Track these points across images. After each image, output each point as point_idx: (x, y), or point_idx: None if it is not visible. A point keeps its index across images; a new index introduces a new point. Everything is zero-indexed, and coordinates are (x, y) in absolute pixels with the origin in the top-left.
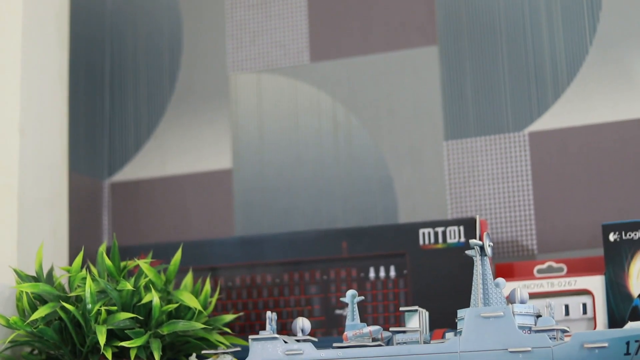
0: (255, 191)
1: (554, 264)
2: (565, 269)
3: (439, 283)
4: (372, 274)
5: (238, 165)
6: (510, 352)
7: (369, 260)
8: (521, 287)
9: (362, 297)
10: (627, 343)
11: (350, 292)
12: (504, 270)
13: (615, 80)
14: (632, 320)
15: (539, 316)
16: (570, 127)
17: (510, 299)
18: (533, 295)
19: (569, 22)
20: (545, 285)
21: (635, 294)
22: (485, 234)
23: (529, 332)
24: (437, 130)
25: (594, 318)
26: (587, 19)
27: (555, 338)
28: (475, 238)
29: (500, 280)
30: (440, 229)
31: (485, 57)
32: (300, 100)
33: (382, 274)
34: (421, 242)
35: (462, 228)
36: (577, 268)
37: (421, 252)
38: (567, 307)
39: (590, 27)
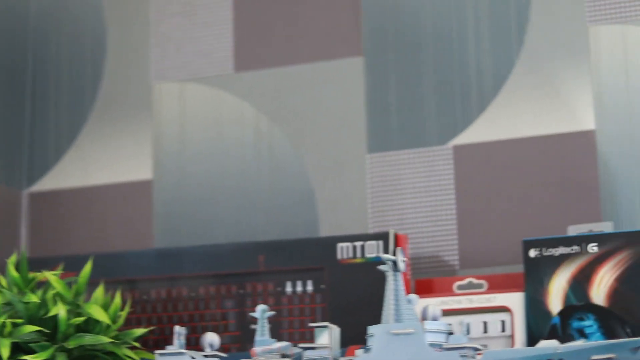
0: (175, 202)
1: (475, 280)
2: (486, 286)
3: (357, 298)
4: (289, 289)
5: (159, 175)
6: None
7: (286, 274)
8: (433, 304)
9: (273, 312)
10: None
11: (261, 307)
12: (424, 285)
13: (541, 94)
14: (550, 338)
15: (451, 334)
16: (494, 141)
17: (422, 316)
18: (451, 312)
19: (496, 34)
20: (463, 302)
21: (554, 311)
22: (399, 248)
23: (440, 349)
24: (360, 142)
25: (512, 336)
26: (514, 31)
27: (466, 356)
28: (404, 254)
29: (413, 296)
30: (359, 244)
31: (411, 70)
32: (224, 111)
33: (299, 288)
34: (339, 256)
35: (381, 243)
36: (498, 285)
37: (339, 267)
38: (485, 324)
39: (517, 39)
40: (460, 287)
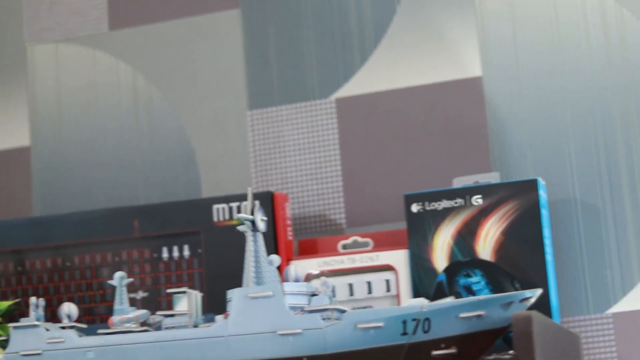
0: (54, 169)
1: (360, 239)
2: (372, 244)
3: (235, 262)
4: (165, 254)
5: (36, 142)
6: (280, 334)
7: (161, 239)
8: (295, 265)
9: (131, 279)
10: (404, 322)
11: (118, 275)
12: (307, 246)
13: (425, 41)
14: (438, 297)
15: (314, 295)
16: (378, 92)
17: (284, 278)
18: (334, 273)
19: None
20: (345, 262)
21: (439, 268)
22: (257, 207)
23: (301, 312)
24: (240, 99)
25: (398, 295)
26: None
27: (329, 319)
28: (263, 212)
29: (274, 257)
30: (234, 204)
31: (290, 21)
32: (100, 71)
33: (175, 254)
34: (215, 218)
35: (257, 203)
36: (383, 242)
37: (215, 230)
38: (369, 284)
39: None
40: (345, 247)
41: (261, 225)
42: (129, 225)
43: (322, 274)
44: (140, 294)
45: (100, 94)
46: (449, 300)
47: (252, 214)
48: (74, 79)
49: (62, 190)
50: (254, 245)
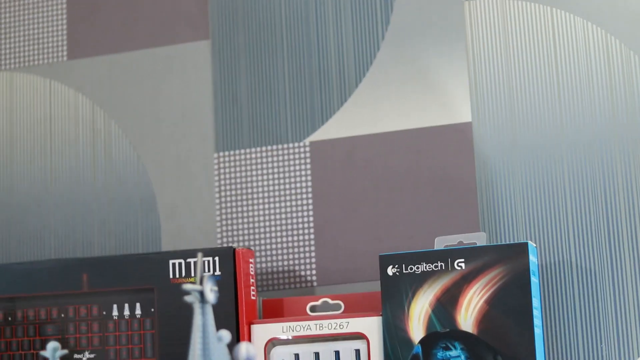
0: (2, 209)
1: (330, 301)
2: (343, 307)
3: (192, 324)
4: (115, 312)
5: None
6: None
7: (112, 295)
8: (248, 343)
9: (65, 351)
10: None
11: (51, 346)
12: (272, 307)
13: (410, 82)
14: None
15: None
16: (357, 136)
17: (234, 358)
18: (300, 340)
19: (359, 12)
20: (313, 328)
21: (416, 339)
22: (208, 276)
23: None
24: (207, 140)
25: None
26: (380, 8)
27: None
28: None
29: (224, 333)
30: (192, 260)
31: (263, 56)
32: (56, 104)
33: (126, 312)
34: (171, 275)
35: (217, 259)
36: (356, 306)
37: (171, 288)
38: (337, 354)
39: (382, 18)
40: (313, 309)
41: (211, 297)
42: (77, 278)
43: (286, 340)
44: (87, 355)
45: (55, 128)
46: None
47: (202, 283)
48: (28, 111)
49: (11, 233)
50: (202, 319)
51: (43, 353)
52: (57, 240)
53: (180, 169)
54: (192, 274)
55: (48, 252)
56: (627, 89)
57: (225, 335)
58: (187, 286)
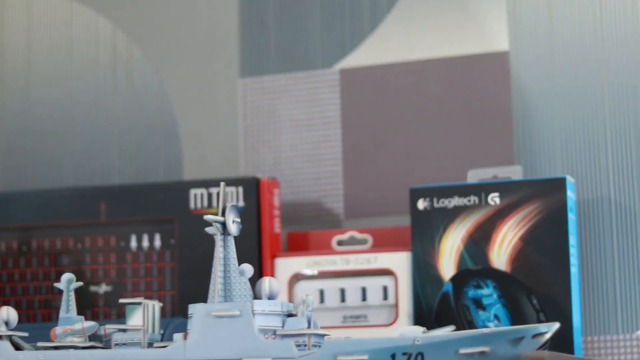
0: (19, 135)
1: (357, 235)
2: (371, 241)
3: (212, 256)
4: (134, 243)
5: (2, 103)
6: None
7: (130, 226)
8: (271, 278)
9: (81, 283)
10: (393, 356)
11: (66, 277)
12: (297, 240)
13: (444, 8)
14: (443, 310)
15: (290, 315)
16: (388, 64)
17: (256, 293)
18: (325, 275)
19: None
20: (339, 263)
21: (446, 276)
22: (230, 206)
23: (272, 337)
24: (231, 65)
25: (396, 305)
26: None
27: (305, 346)
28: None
29: (246, 267)
30: (214, 190)
31: None
32: (76, 27)
33: (145, 243)
34: (192, 205)
35: (240, 189)
36: (384, 240)
37: (192, 218)
38: (364, 290)
39: None
40: (340, 243)
41: (233, 229)
42: (95, 207)
43: (311, 276)
44: (104, 288)
45: (75, 51)
46: (448, 332)
47: (223, 214)
48: (47, 34)
49: (30, 159)
50: (223, 252)
51: (57, 285)
52: (75, 167)
53: (203, 95)
54: (214, 205)
55: (66, 179)
56: None
57: (247, 269)
58: (208, 217)
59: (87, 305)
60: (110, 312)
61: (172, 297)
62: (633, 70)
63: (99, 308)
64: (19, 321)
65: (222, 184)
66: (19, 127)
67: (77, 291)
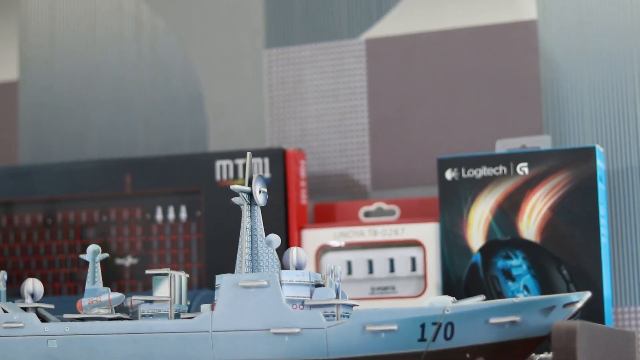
0: (44, 107)
1: (385, 206)
2: (398, 213)
3: (239, 228)
4: (159, 216)
5: (25, 76)
6: (274, 333)
7: (156, 198)
8: (299, 248)
9: (106, 255)
10: (423, 326)
11: (92, 248)
12: (324, 212)
13: None
14: (471, 281)
15: (318, 286)
16: (415, 34)
17: (284, 263)
18: (352, 247)
19: None
20: (366, 234)
21: (474, 247)
22: (257, 176)
23: (300, 307)
24: (256, 36)
25: (425, 276)
26: None
27: (334, 316)
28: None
29: (274, 237)
30: (240, 161)
31: None
32: None
33: (171, 215)
34: (218, 177)
35: (267, 161)
36: (412, 211)
37: (218, 190)
38: (392, 261)
39: None
40: (367, 214)
41: (260, 199)
42: (120, 180)
43: (338, 247)
44: (129, 260)
45: (98, 23)
46: (478, 302)
47: (250, 184)
48: (70, 6)
49: (53, 132)
50: (250, 222)
51: (83, 256)
52: (100, 139)
53: (228, 66)
54: (240, 176)
55: (91, 152)
56: None
57: (275, 239)
58: (235, 187)
59: (113, 278)
60: (137, 284)
61: (199, 270)
62: None
63: (125, 281)
64: (45, 294)
65: (248, 153)
66: (44, 101)
67: (103, 264)
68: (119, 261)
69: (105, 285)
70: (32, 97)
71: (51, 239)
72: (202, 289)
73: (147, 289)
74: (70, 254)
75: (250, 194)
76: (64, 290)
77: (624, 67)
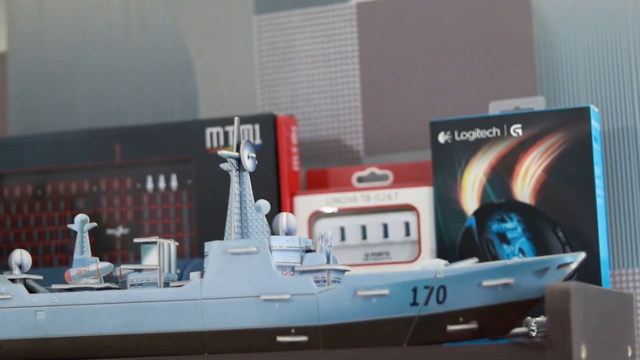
0: (33, 78)
1: (377, 171)
2: (391, 177)
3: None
4: (149, 185)
5: (14, 46)
6: (264, 300)
7: (146, 167)
8: (288, 214)
9: (94, 224)
10: (415, 290)
11: (79, 218)
12: (316, 178)
13: None
14: (466, 245)
15: (309, 251)
16: None
17: (273, 229)
18: (345, 212)
19: None
20: (359, 199)
21: (469, 210)
22: (245, 142)
23: (290, 273)
24: (245, 1)
25: (419, 241)
26: None
27: (325, 282)
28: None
29: (263, 203)
30: (231, 129)
31: None
32: None
33: (162, 184)
34: (208, 144)
35: (257, 127)
36: (405, 176)
37: (208, 158)
38: (385, 226)
39: None
40: (360, 179)
41: (248, 164)
42: (109, 149)
43: (331, 213)
44: (120, 230)
45: None
46: (470, 264)
47: (238, 150)
48: None
49: (42, 102)
50: (239, 188)
51: (70, 226)
52: (89, 109)
53: (218, 32)
54: (231, 144)
55: (80, 122)
56: None
57: (264, 205)
58: (223, 152)
59: (104, 248)
60: (128, 254)
61: (190, 238)
62: None
63: (116, 251)
64: (36, 266)
65: (236, 119)
66: (32, 70)
67: (95, 235)
68: (110, 231)
69: (96, 255)
70: (21, 68)
71: (41, 210)
72: (193, 258)
73: (139, 259)
74: (60, 225)
75: (239, 160)
76: (55, 261)
77: (618, 27)
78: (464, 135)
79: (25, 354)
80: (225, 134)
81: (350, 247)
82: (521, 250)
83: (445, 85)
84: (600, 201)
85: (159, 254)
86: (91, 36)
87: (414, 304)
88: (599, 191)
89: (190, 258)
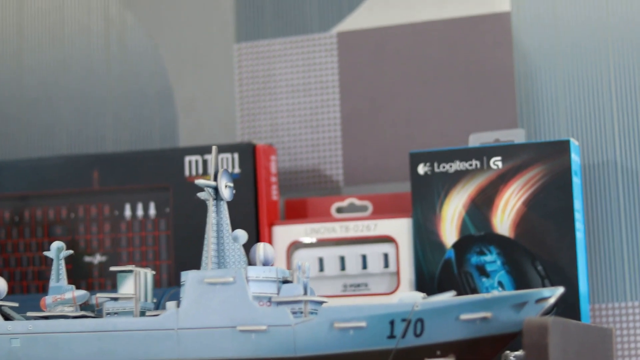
0: (10, 103)
1: (357, 201)
2: (371, 208)
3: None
4: (128, 212)
5: None
6: (240, 331)
7: (124, 194)
8: (265, 244)
9: (71, 252)
10: (392, 322)
11: (56, 245)
12: (295, 208)
13: None
14: (445, 277)
15: (285, 282)
16: (388, 26)
17: (250, 259)
18: (324, 243)
19: None
20: (338, 230)
21: (448, 243)
22: (223, 171)
23: (267, 304)
24: (226, 30)
25: (397, 273)
26: None
27: (302, 313)
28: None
29: (240, 232)
30: (210, 157)
31: None
32: None
33: (140, 212)
34: (187, 172)
35: (236, 156)
36: (384, 207)
37: (187, 186)
38: (364, 258)
39: None
40: (340, 210)
41: (225, 193)
42: (87, 176)
43: (310, 244)
44: (98, 258)
45: (67, 17)
46: (448, 297)
47: (215, 179)
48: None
49: (21, 127)
50: (216, 217)
51: (47, 253)
52: (68, 135)
53: (198, 60)
54: (210, 172)
55: (59, 147)
56: None
57: (241, 235)
58: (200, 181)
59: (81, 275)
60: (106, 282)
61: (168, 267)
62: (638, 30)
63: (94, 279)
64: (12, 293)
65: (214, 148)
66: (10, 95)
67: (72, 262)
68: (87, 259)
69: (74, 283)
70: None
71: (18, 236)
72: (170, 287)
73: (116, 287)
74: (38, 251)
75: (216, 189)
76: (32, 288)
77: (599, 60)
78: (444, 167)
79: None
80: (204, 162)
81: (328, 277)
82: (500, 284)
83: (426, 116)
84: (580, 235)
85: (135, 282)
86: (71, 62)
87: (391, 336)
88: (579, 225)
89: (168, 286)
